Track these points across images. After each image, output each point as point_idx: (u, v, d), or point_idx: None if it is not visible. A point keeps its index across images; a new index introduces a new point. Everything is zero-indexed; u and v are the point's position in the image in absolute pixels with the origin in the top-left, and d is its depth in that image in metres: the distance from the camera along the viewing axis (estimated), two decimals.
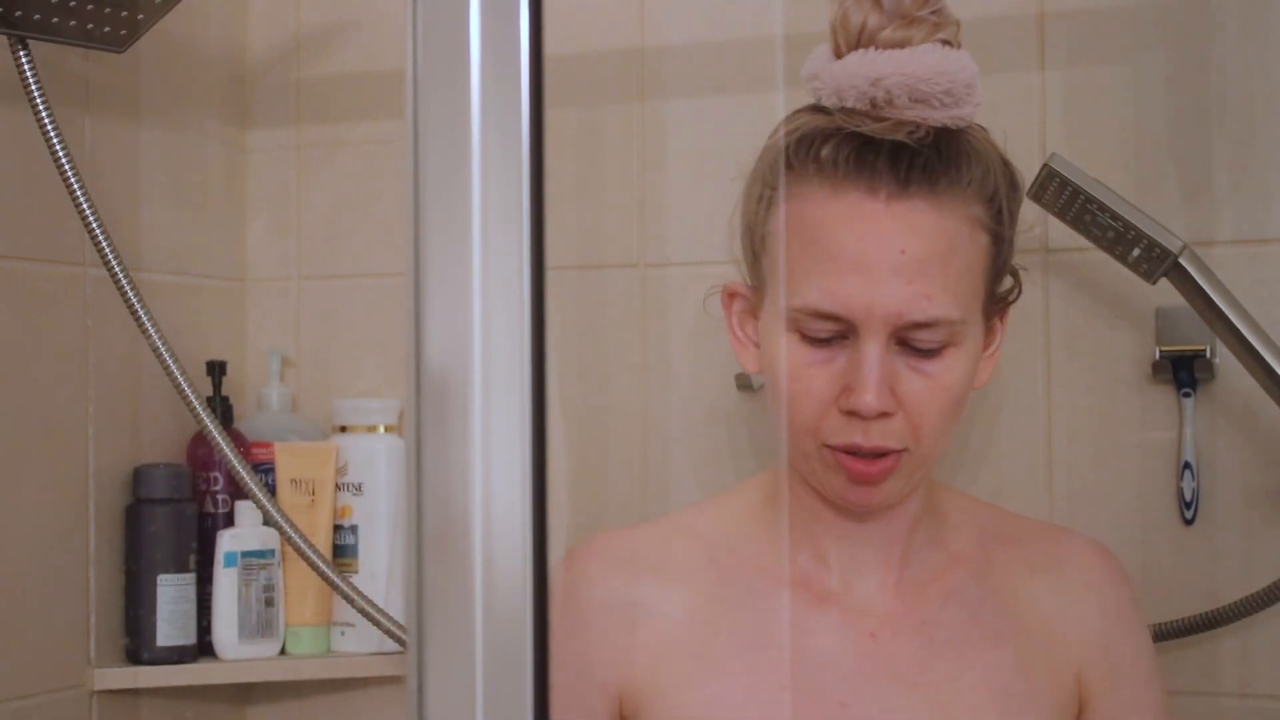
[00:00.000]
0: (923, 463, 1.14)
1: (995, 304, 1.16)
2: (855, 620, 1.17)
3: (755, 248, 1.16)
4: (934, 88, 1.09)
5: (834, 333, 1.10)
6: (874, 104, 1.10)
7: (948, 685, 1.16)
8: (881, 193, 1.08)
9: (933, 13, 1.12)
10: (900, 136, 1.09)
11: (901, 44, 1.10)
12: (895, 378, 1.09)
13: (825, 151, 1.10)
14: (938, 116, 1.10)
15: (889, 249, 1.08)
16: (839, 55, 1.12)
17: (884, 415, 1.09)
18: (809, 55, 1.15)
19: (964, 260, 1.11)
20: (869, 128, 1.09)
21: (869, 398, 1.08)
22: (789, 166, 1.12)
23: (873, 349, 1.08)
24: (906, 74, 1.09)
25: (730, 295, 1.20)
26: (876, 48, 1.10)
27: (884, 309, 1.08)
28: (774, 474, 1.23)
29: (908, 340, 1.09)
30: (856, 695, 1.15)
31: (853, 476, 1.12)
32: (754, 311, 1.18)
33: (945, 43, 1.11)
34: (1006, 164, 1.16)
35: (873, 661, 1.16)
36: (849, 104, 1.11)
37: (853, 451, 1.11)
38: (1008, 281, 1.18)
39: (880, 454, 1.11)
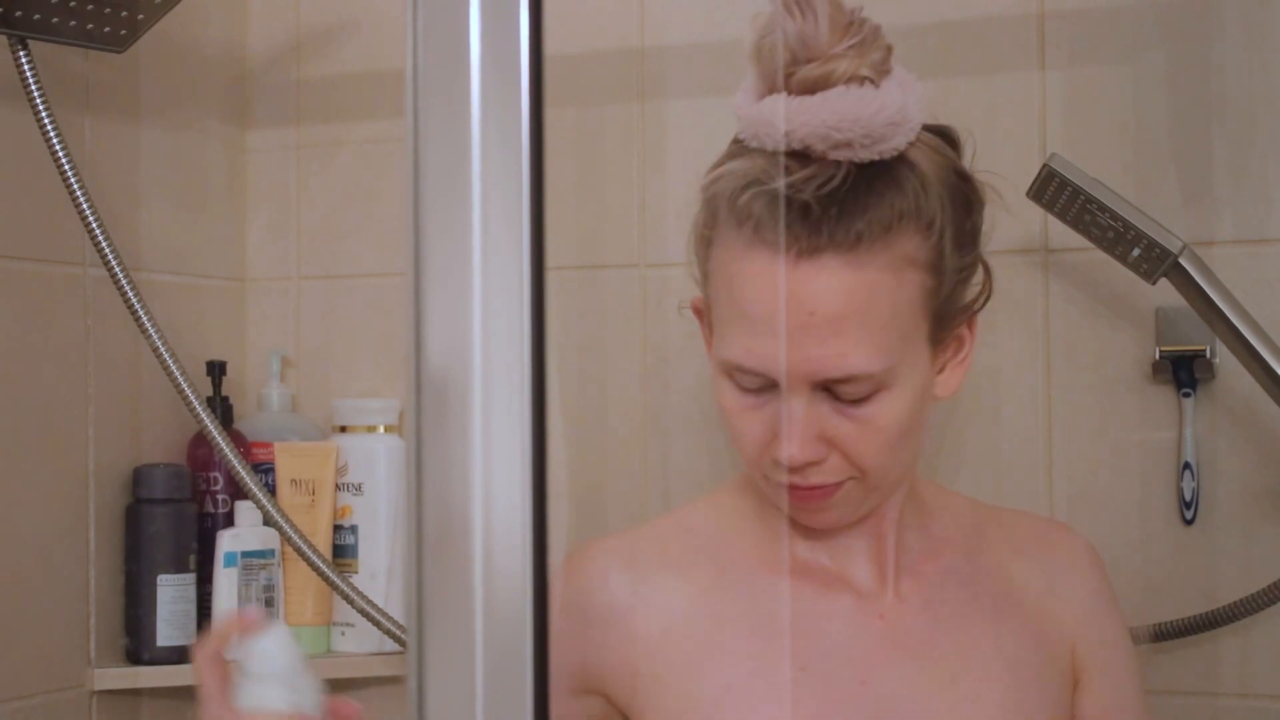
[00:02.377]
0: (877, 486, 1.14)
1: (948, 326, 1.14)
2: (863, 604, 1.19)
3: (701, 279, 1.17)
4: (849, 134, 1.05)
5: (760, 384, 1.10)
6: (791, 147, 1.07)
7: (959, 658, 1.17)
8: (791, 250, 1.06)
9: (850, 46, 1.07)
10: (808, 194, 1.05)
11: (817, 86, 1.07)
12: (824, 423, 1.09)
13: (741, 201, 1.08)
14: (863, 155, 1.07)
15: (798, 311, 1.06)
16: (759, 96, 1.10)
17: (814, 463, 1.10)
18: (740, 86, 1.12)
19: (888, 308, 1.08)
20: (781, 181, 1.06)
21: (793, 451, 1.09)
22: (715, 211, 1.11)
23: (794, 404, 1.09)
24: (817, 124, 1.05)
25: (697, 311, 1.20)
26: (790, 93, 1.07)
27: (799, 368, 1.07)
28: None
29: (832, 392, 1.09)
30: (874, 673, 1.16)
31: (798, 502, 1.13)
32: None
33: (866, 79, 1.07)
34: (961, 176, 1.13)
35: (886, 640, 1.17)
36: (768, 148, 1.08)
37: (794, 489, 1.12)
38: (973, 290, 1.16)
39: (822, 487, 1.12)
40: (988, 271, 1.18)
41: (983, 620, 1.20)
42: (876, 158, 1.07)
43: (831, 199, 1.05)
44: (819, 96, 1.06)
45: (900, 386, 1.10)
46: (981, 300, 1.18)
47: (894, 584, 1.20)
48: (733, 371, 1.11)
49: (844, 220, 1.05)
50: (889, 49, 1.10)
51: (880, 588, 1.20)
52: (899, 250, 1.07)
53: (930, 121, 1.13)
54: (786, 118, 1.06)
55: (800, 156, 1.07)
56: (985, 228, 1.17)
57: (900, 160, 1.09)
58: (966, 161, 1.16)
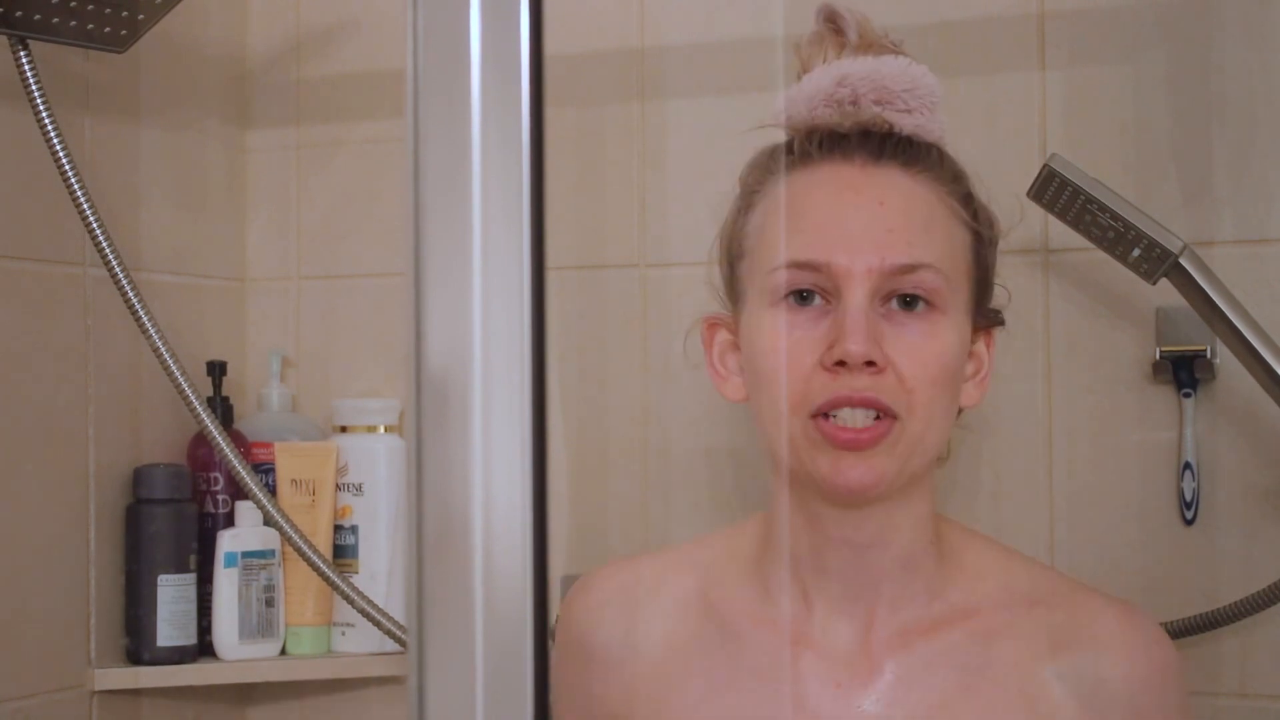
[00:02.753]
0: (917, 443, 1.07)
1: (981, 318, 1.15)
2: (825, 668, 1.12)
3: (733, 255, 1.16)
4: (897, 85, 1.12)
5: (816, 287, 1.08)
6: (840, 106, 1.12)
7: None
8: (856, 159, 1.11)
9: (893, 43, 1.16)
10: (868, 126, 1.12)
11: (869, 51, 1.15)
12: (881, 336, 1.07)
13: (798, 144, 1.13)
14: (903, 122, 1.12)
15: (867, 201, 1.10)
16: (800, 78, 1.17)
17: (871, 366, 1.05)
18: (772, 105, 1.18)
19: (944, 232, 1.11)
20: (839, 123, 1.13)
21: (853, 344, 1.05)
22: (769, 171, 1.14)
23: (857, 298, 1.06)
24: (870, 70, 1.12)
25: (711, 327, 1.19)
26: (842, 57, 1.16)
27: (865, 253, 1.07)
28: (775, 513, 1.18)
29: (892, 294, 1.08)
30: None
31: (842, 444, 1.05)
32: (735, 342, 1.16)
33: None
34: (987, 208, 1.17)
35: (832, 713, 1.10)
36: (817, 111, 1.13)
37: (843, 405, 1.06)
38: (997, 318, 1.18)
39: (870, 411, 1.06)
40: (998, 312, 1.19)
41: (961, 716, 1.09)
42: (915, 131, 1.13)
43: (889, 135, 1.12)
44: (872, 56, 1.14)
45: (952, 319, 1.10)
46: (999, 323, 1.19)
47: (876, 646, 1.11)
48: (791, 277, 1.09)
49: (904, 147, 1.12)
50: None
51: (857, 654, 1.12)
52: (949, 200, 1.12)
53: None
54: (840, 69, 1.13)
55: (849, 105, 1.13)
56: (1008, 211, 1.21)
57: (940, 147, 1.15)
58: None
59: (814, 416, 1.07)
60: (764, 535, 1.18)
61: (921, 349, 1.07)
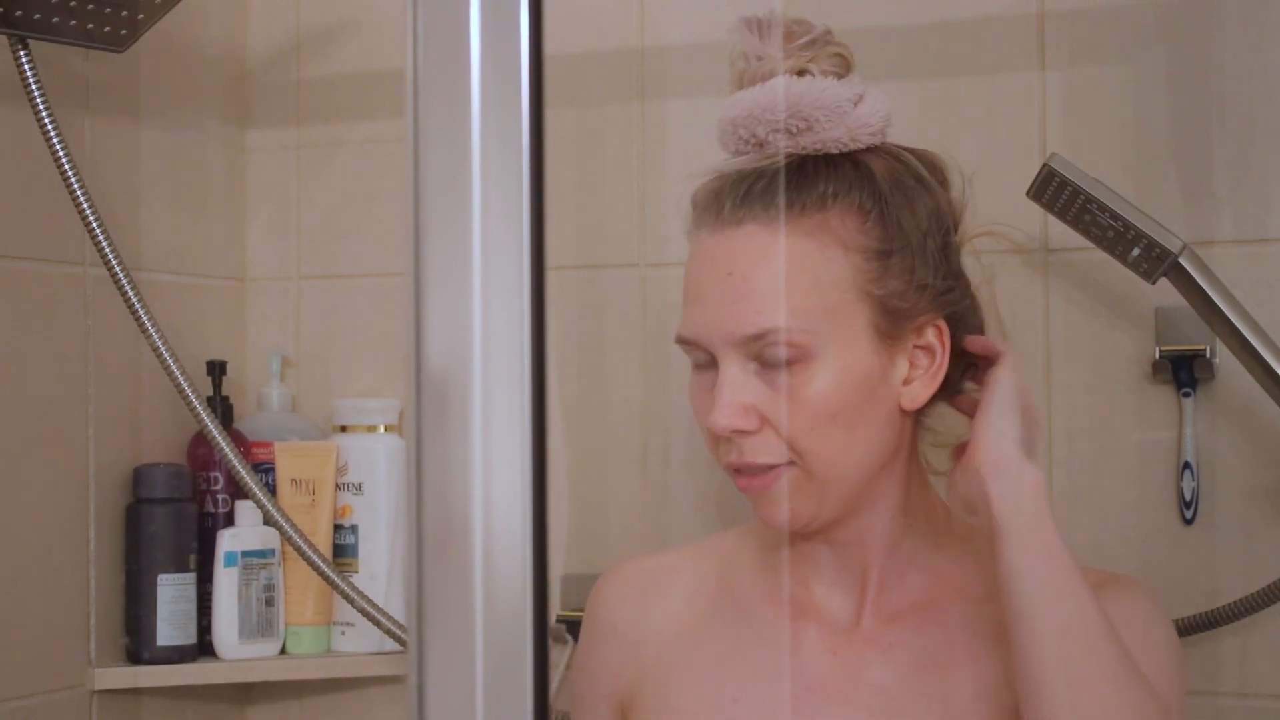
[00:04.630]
0: (826, 480, 1.13)
1: (901, 323, 1.14)
2: (824, 638, 1.18)
3: None
4: (779, 115, 1.13)
5: (704, 359, 1.14)
6: (744, 143, 1.15)
7: (913, 708, 1.14)
8: (718, 223, 1.14)
9: (795, 46, 1.15)
10: (748, 177, 1.14)
11: (756, 79, 1.15)
12: (752, 392, 1.12)
13: (694, 195, 1.17)
14: (802, 142, 1.14)
15: (718, 273, 1.13)
16: None
17: (744, 432, 1.12)
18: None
19: (808, 276, 1.11)
20: (726, 167, 1.15)
21: (716, 415, 1.11)
22: (690, 224, 1.19)
23: (724, 369, 1.12)
24: (751, 105, 1.14)
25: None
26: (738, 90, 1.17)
27: (719, 327, 1.12)
28: None
29: (759, 357, 1.12)
30: (803, 709, 1.16)
31: (742, 489, 1.15)
32: None
33: (805, 72, 1.15)
34: (920, 183, 1.16)
35: (833, 678, 1.16)
36: (729, 148, 1.17)
37: (729, 471, 1.15)
38: (946, 303, 1.15)
39: (758, 470, 1.13)
40: (974, 299, 1.19)
41: (953, 668, 1.15)
42: (817, 147, 1.14)
43: (761, 176, 1.13)
44: (759, 87, 1.14)
45: (828, 360, 1.11)
46: (967, 318, 1.18)
47: (869, 620, 1.18)
48: (683, 349, 1.16)
49: (769, 194, 1.12)
50: (840, 54, 1.17)
51: (851, 623, 1.18)
52: (827, 227, 1.12)
53: (918, 147, 1.19)
54: (730, 111, 1.15)
55: (754, 146, 1.15)
56: (978, 264, 1.21)
57: (846, 156, 1.15)
58: (956, 188, 1.20)
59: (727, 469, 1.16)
60: (769, 530, 1.23)
61: (794, 402, 1.12)
